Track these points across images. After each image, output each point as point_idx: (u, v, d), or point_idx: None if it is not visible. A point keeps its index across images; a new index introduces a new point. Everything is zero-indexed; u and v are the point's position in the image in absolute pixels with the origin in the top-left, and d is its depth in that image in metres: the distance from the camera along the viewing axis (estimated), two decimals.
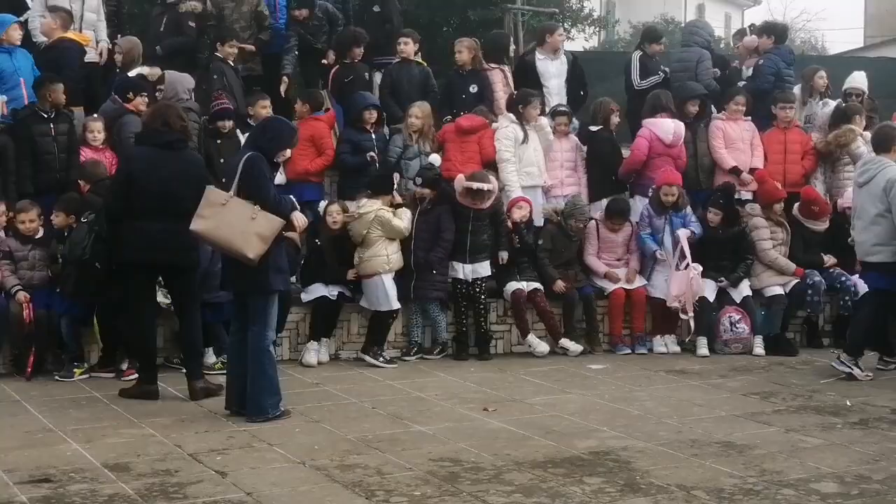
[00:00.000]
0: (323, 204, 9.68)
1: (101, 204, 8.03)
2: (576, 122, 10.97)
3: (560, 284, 9.74)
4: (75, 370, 8.38)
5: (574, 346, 9.64)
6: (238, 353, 7.37)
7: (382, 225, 9.18)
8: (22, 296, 8.47)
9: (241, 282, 7.21)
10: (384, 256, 9.20)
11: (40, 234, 8.70)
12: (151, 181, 7.52)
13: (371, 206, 9.21)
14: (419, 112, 10.22)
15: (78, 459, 6.36)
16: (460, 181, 9.56)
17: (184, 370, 8.06)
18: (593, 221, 10.18)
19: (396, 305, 9.30)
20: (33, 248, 8.69)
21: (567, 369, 9.20)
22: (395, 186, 9.54)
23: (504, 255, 9.73)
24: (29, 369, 8.39)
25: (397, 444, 6.76)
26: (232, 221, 6.98)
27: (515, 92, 10.73)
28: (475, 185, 9.48)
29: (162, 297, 8.45)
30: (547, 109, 10.76)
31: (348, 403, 7.86)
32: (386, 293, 9.20)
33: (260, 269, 7.09)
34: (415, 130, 10.18)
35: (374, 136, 10.22)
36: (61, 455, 6.45)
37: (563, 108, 10.86)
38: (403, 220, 9.31)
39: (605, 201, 10.43)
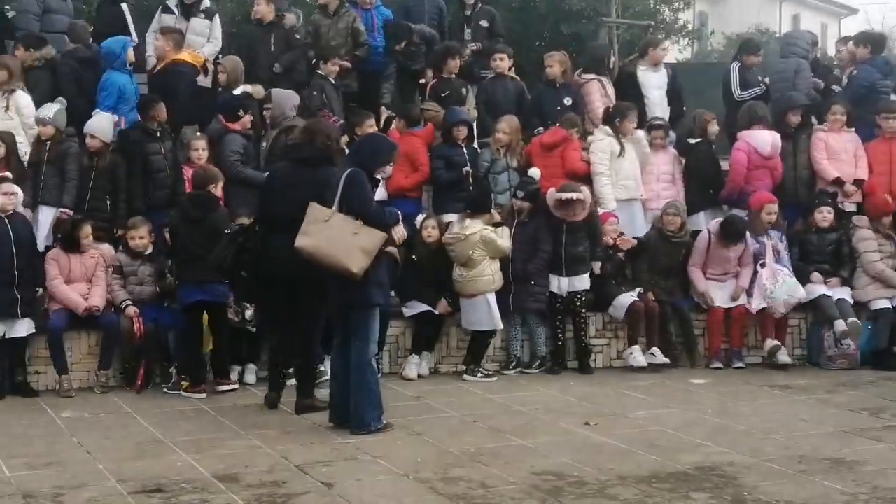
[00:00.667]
0: (420, 218, 9.76)
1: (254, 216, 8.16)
2: (672, 134, 10.90)
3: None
4: (183, 383, 8.56)
5: (639, 359, 9.53)
6: (342, 366, 7.46)
7: (486, 245, 9.18)
8: (132, 310, 8.70)
9: (344, 296, 7.28)
10: (489, 276, 9.23)
11: (150, 250, 8.93)
12: (285, 196, 7.57)
13: (475, 227, 9.22)
14: (506, 127, 10.27)
15: (188, 470, 6.50)
16: (551, 194, 9.57)
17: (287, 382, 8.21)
18: (705, 232, 10.08)
19: (500, 325, 9.34)
20: (143, 264, 8.92)
21: (668, 384, 9.13)
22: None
23: (597, 266, 9.71)
24: (139, 382, 8.62)
25: (499, 458, 6.77)
26: (335, 237, 7.06)
27: (612, 105, 10.71)
28: (564, 195, 9.48)
29: (232, 315, 8.69)
30: (647, 120, 10.73)
31: (449, 417, 7.90)
32: (490, 312, 9.24)
33: (362, 284, 7.17)
34: (502, 145, 10.23)
35: (465, 150, 10.28)
36: (172, 466, 6.60)
37: (659, 122, 10.81)
38: (504, 238, 9.33)
39: (702, 215, 10.36)
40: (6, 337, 8.38)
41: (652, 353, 9.58)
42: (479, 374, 9.22)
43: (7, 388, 8.42)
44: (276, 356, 8.18)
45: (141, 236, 8.87)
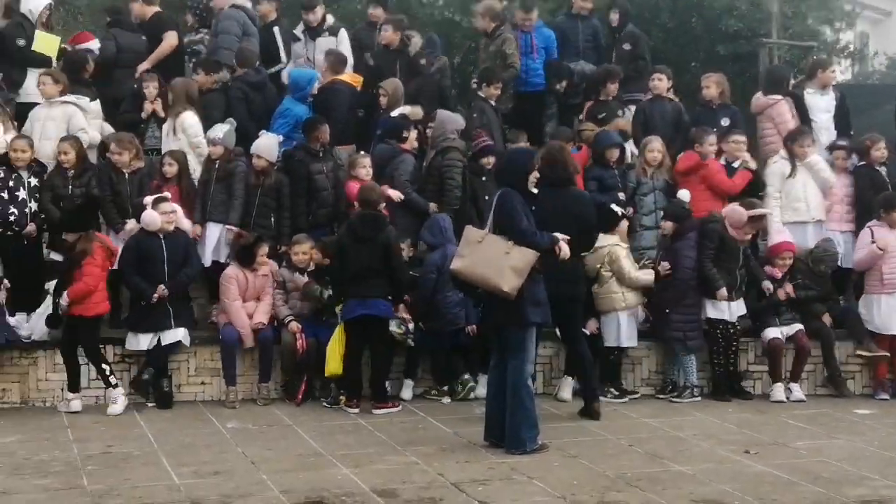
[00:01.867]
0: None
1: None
2: (854, 157, 10.59)
3: None
4: (342, 398, 8.72)
5: (778, 395, 9.32)
6: (497, 384, 7.50)
7: (612, 263, 9.09)
8: (294, 325, 8.93)
9: (499, 314, 7.33)
10: (618, 294, 9.14)
11: (311, 266, 9.15)
12: (545, 218, 7.60)
13: (605, 241, 9.09)
14: (659, 146, 10.19)
15: (347, 483, 6.63)
16: (736, 211, 9.38)
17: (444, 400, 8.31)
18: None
19: (629, 344, 9.26)
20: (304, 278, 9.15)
21: (832, 413, 8.87)
22: (626, 220, 9.40)
23: (769, 285, 9.51)
24: (299, 396, 8.83)
25: (657, 483, 6.69)
26: (488, 257, 7.16)
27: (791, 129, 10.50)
28: (757, 211, 9.36)
29: (395, 328, 8.81)
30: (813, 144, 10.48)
31: (605, 440, 7.84)
32: (619, 331, 9.17)
33: (517, 302, 7.21)
34: (655, 164, 10.14)
35: (616, 172, 10.20)
36: (332, 478, 6.74)
37: (841, 143, 10.57)
38: (640, 274, 9.21)
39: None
40: (162, 344, 8.70)
41: (789, 389, 9.37)
42: (609, 395, 9.11)
43: (152, 396, 8.76)
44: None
45: (304, 252, 9.11)
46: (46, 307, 8.53)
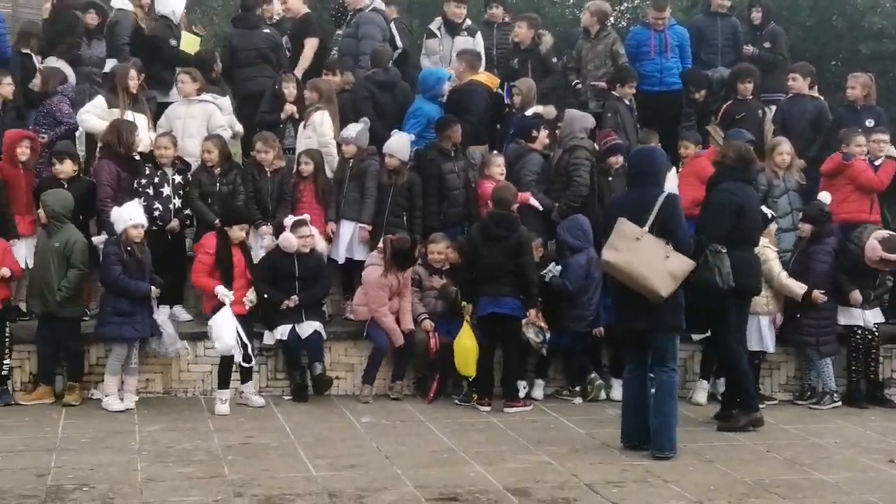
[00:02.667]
0: None
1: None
2: None
3: None
4: (473, 396, 8.75)
5: None
6: (634, 388, 7.44)
7: (762, 263, 8.80)
8: (428, 324, 8.99)
9: (648, 319, 7.20)
10: (763, 298, 8.91)
11: (447, 266, 9.21)
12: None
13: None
14: (788, 148, 9.95)
15: (481, 481, 6.66)
16: (875, 250, 9.04)
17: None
18: None
19: (766, 349, 9.06)
20: (440, 279, 9.21)
21: None
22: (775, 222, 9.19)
23: None
24: (431, 394, 8.89)
25: (797, 491, 6.54)
26: (647, 258, 7.06)
27: None
28: (891, 257, 9.00)
29: (532, 336, 8.76)
30: None
31: (741, 445, 7.69)
32: (760, 334, 8.99)
33: (668, 307, 7.15)
34: (784, 167, 9.91)
35: None
36: (465, 476, 6.77)
37: None
38: (790, 282, 9.03)
39: None
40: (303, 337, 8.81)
41: None
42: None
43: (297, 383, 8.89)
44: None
45: (440, 252, 9.17)
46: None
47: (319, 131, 9.86)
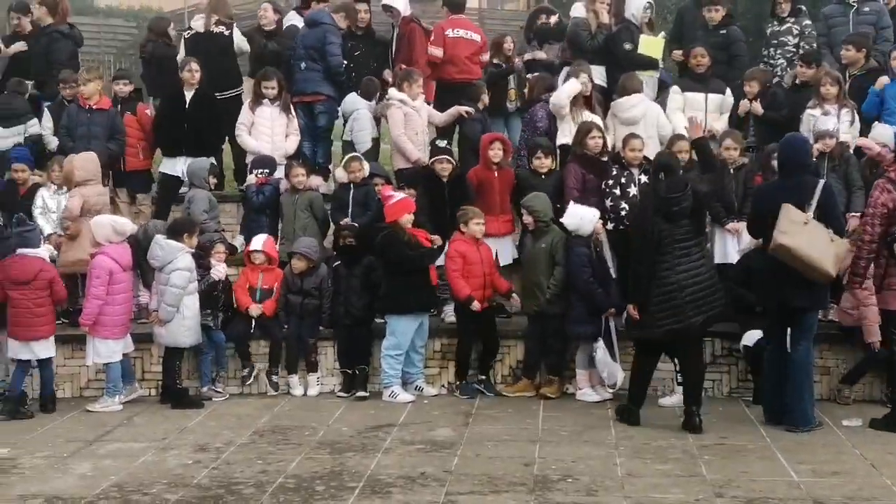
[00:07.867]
0: None
1: None
2: None
3: None
4: None
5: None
6: (774, 363, 7.72)
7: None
8: None
9: (805, 298, 7.56)
10: None
11: None
12: None
13: None
14: None
15: None
16: None
17: None
18: None
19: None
20: None
21: None
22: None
23: None
24: None
25: None
26: (817, 242, 7.43)
27: None
28: None
29: None
30: None
31: None
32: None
33: (822, 287, 7.61)
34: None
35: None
36: None
37: None
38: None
39: None
40: None
41: None
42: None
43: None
44: None
45: None
46: None
47: None
